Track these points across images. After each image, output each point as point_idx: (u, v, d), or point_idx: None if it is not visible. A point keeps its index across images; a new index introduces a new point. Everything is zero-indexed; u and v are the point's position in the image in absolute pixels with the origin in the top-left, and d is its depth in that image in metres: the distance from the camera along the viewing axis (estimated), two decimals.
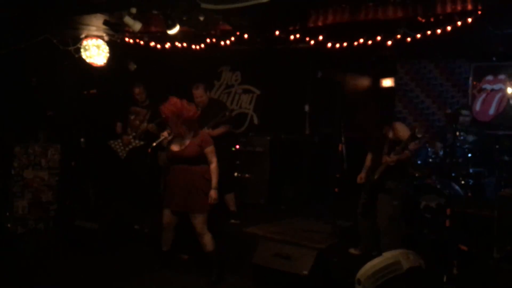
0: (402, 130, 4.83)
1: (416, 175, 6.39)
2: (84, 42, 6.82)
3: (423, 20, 5.40)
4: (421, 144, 4.83)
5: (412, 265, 3.88)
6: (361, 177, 5.11)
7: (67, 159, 6.66)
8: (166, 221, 4.81)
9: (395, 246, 4.66)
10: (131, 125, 6.83)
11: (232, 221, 6.20)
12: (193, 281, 4.72)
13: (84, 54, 6.83)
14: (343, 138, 5.95)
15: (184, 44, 7.01)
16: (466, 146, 6.23)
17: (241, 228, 5.87)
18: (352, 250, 5.18)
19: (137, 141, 6.72)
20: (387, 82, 8.65)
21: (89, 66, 6.95)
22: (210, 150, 4.69)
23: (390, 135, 4.87)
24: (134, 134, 6.74)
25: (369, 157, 5.17)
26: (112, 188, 7.12)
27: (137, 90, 6.78)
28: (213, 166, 4.67)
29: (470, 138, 6.27)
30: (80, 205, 6.44)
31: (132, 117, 6.83)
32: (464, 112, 6.53)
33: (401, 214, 5.09)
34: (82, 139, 6.88)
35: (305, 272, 4.28)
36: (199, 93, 6.01)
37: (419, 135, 4.55)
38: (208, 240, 4.68)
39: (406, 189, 5.85)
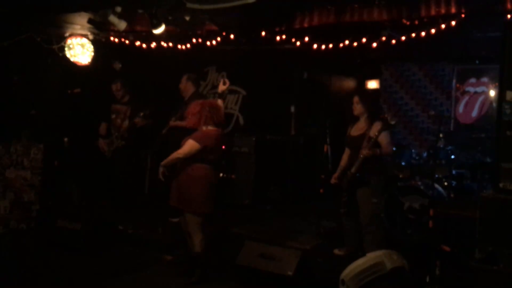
0: (375, 126, 4.84)
1: (400, 176, 6.45)
2: (68, 41, 6.75)
3: (408, 23, 5.45)
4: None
5: (395, 266, 3.90)
6: (335, 177, 5.11)
7: (50, 158, 6.57)
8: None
9: (378, 243, 4.73)
10: (113, 125, 6.77)
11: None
12: (175, 282, 4.69)
13: (68, 53, 6.77)
14: (328, 139, 5.97)
15: (170, 44, 6.98)
16: (449, 147, 6.30)
17: (226, 228, 5.86)
18: (336, 251, 5.20)
19: (119, 141, 6.66)
20: (372, 84, 8.72)
21: (73, 65, 6.88)
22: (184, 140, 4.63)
23: (368, 131, 4.88)
24: (116, 134, 6.68)
25: (345, 156, 5.18)
26: (95, 188, 7.06)
27: (114, 87, 6.74)
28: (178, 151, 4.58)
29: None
30: (62, 205, 6.37)
31: (113, 116, 6.77)
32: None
33: (382, 211, 5.11)
34: (65, 139, 6.80)
35: (290, 273, 4.28)
36: (115, 87, 6.72)
37: (392, 122, 4.60)
38: (197, 241, 4.64)
39: (389, 189, 5.93)
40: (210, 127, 4.61)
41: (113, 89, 6.75)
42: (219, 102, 4.93)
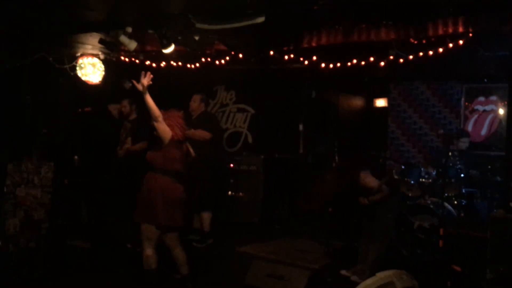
0: (370, 181, 4.97)
1: (410, 195, 6.40)
2: (80, 60, 6.86)
3: (415, 42, 5.48)
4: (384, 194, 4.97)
5: (405, 286, 3.84)
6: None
7: (60, 177, 6.62)
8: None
9: (380, 254, 4.89)
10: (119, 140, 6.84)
11: (195, 243, 6.05)
12: None
13: (80, 72, 6.86)
14: (336, 158, 5.97)
15: (179, 63, 7.06)
16: (458, 166, 6.26)
17: (234, 247, 5.83)
18: (343, 272, 5.14)
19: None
20: (381, 102, 8.72)
21: (84, 84, 6.97)
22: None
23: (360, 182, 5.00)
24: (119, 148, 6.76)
25: None
26: (105, 207, 7.07)
27: (121, 105, 6.85)
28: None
29: None
30: (72, 223, 6.38)
31: (121, 131, 6.85)
32: (463, 139, 6.60)
33: (394, 227, 5.31)
34: (75, 157, 6.86)
35: None
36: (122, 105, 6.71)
37: (396, 177, 4.68)
38: (179, 255, 4.55)
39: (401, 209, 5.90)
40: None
41: (121, 107, 6.83)
42: None
